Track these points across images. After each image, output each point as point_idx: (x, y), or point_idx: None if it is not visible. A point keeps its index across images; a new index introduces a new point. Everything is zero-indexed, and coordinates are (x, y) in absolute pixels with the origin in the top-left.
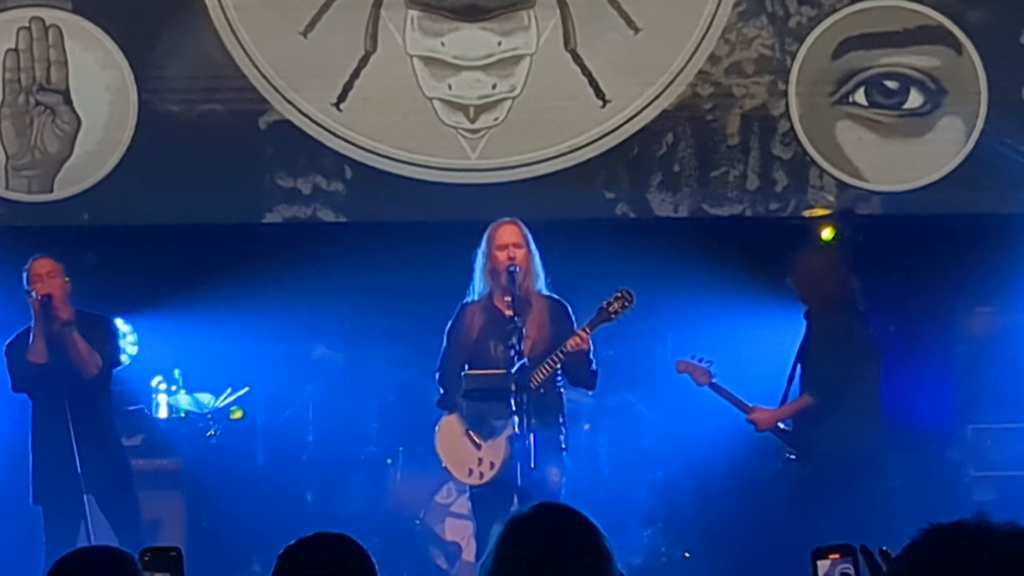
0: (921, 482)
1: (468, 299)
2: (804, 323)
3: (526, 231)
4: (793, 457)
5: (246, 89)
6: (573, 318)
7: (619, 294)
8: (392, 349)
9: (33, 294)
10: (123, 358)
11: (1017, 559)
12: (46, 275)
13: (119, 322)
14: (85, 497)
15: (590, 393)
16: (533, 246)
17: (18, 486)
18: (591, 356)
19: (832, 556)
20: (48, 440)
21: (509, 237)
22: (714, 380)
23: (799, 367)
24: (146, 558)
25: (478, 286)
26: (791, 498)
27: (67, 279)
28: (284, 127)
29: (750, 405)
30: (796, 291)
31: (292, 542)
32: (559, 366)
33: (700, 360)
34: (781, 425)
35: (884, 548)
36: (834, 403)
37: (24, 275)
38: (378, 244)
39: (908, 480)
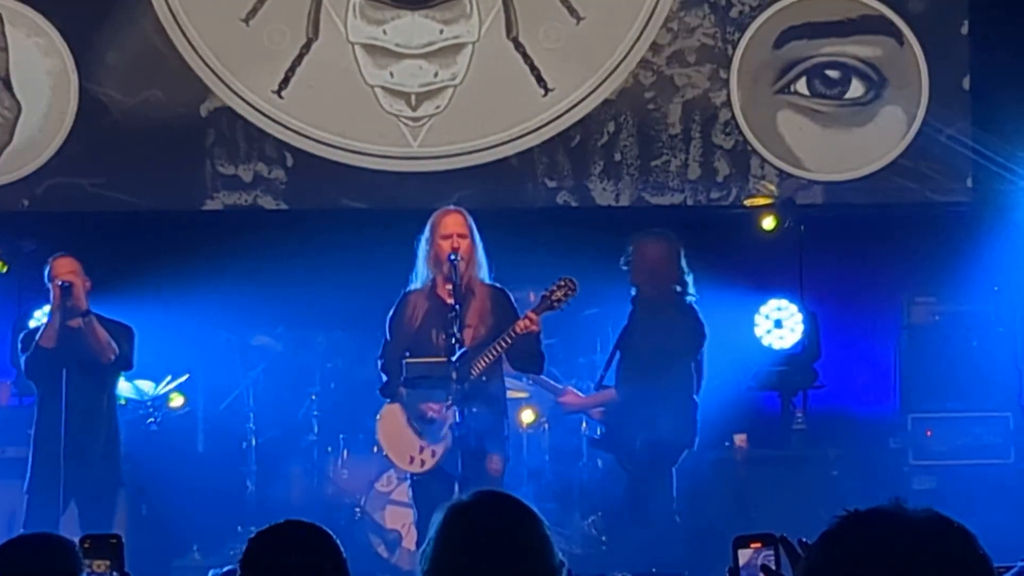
0: (861, 470)
1: (411, 287)
2: (633, 308)
3: (470, 220)
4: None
5: (187, 76)
6: (516, 307)
7: (562, 282)
8: (333, 337)
9: (56, 280)
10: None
11: (935, 545)
12: (70, 272)
13: None
14: (62, 488)
15: (531, 380)
16: (477, 235)
17: None
18: (540, 338)
19: (754, 545)
20: (44, 430)
21: (453, 227)
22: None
23: (618, 354)
24: (86, 545)
25: (421, 274)
26: (730, 486)
27: (87, 280)
28: (225, 114)
29: (561, 387)
30: (630, 273)
31: (262, 529)
32: (503, 353)
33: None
34: (598, 431)
35: (803, 539)
36: (647, 396)
37: (46, 269)
38: (319, 232)
39: (848, 468)
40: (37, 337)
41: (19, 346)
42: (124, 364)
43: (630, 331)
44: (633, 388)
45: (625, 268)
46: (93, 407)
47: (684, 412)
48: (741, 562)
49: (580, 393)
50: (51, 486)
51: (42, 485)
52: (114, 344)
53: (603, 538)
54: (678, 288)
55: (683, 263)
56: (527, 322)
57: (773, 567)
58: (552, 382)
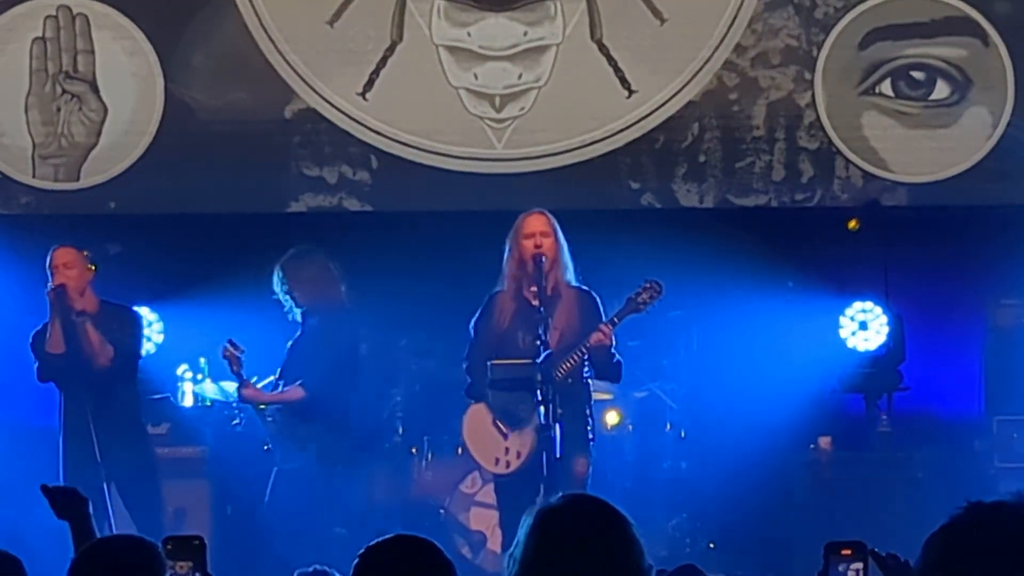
0: (946, 473)
1: (498, 289)
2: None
3: (554, 222)
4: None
5: (272, 78)
6: (602, 309)
7: (648, 285)
8: (418, 338)
9: (49, 285)
10: (146, 349)
11: None
12: (63, 266)
13: (145, 311)
14: (105, 486)
15: (614, 385)
16: (561, 237)
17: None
18: (613, 351)
19: (844, 552)
20: (72, 430)
21: (536, 226)
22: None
23: (288, 359)
24: (169, 547)
25: (507, 276)
26: (815, 489)
27: (91, 267)
28: (310, 116)
29: (246, 379)
30: (294, 297)
31: (372, 543)
32: (584, 359)
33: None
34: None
35: (892, 552)
36: (312, 404)
37: (47, 260)
38: (403, 233)
39: (933, 471)
40: (46, 345)
41: (31, 351)
42: (131, 356)
43: (300, 341)
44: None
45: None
46: (117, 402)
47: (339, 426)
48: (831, 568)
49: (257, 389)
50: (90, 488)
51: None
52: (108, 346)
53: (687, 540)
54: (333, 303)
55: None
56: (599, 335)
57: None
58: (244, 375)
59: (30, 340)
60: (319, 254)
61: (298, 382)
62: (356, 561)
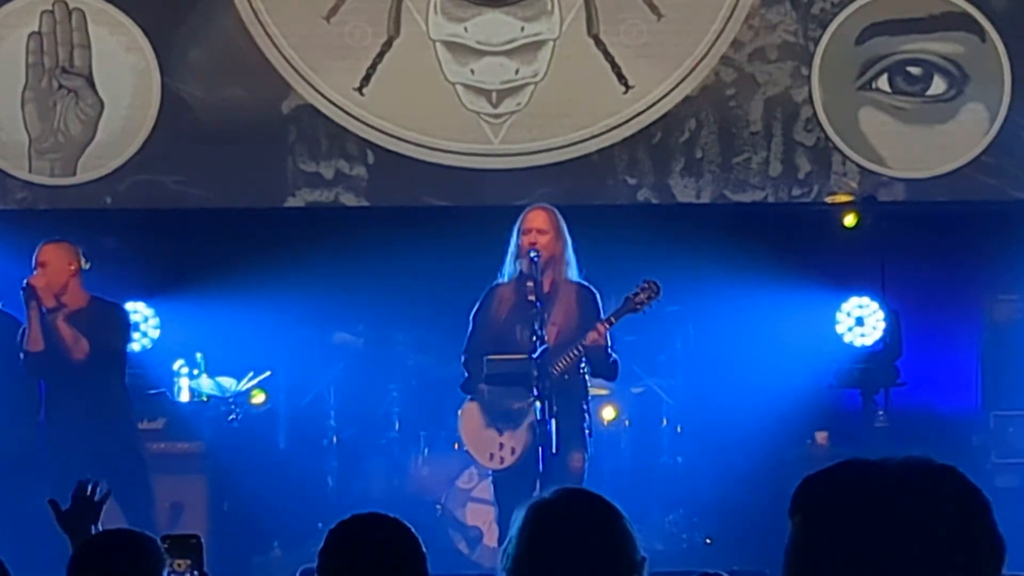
0: None
1: (499, 281)
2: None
3: (556, 218)
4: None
5: (269, 73)
6: (601, 306)
7: (645, 285)
8: (414, 333)
9: (23, 283)
10: (142, 345)
11: (917, 484)
12: (40, 264)
13: (141, 306)
14: (90, 482)
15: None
16: (565, 233)
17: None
18: (609, 350)
19: None
20: (57, 425)
21: (534, 222)
22: None
23: None
24: (166, 544)
25: (508, 269)
26: None
27: (79, 262)
28: (307, 111)
29: None
30: None
31: (342, 519)
32: (581, 356)
33: None
34: None
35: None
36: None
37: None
38: (400, 228)
39: None
40: (25, 344)
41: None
42: (111, 351)
43: None
44: None
45: None
46: (98, 396)
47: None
48: None
49: None
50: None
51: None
52: (83, 340)
53: (683, 535)
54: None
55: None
56: (594, 335)
57: None
58: None
59: (17, 336)
60: None
61: None
62: (325, 537)
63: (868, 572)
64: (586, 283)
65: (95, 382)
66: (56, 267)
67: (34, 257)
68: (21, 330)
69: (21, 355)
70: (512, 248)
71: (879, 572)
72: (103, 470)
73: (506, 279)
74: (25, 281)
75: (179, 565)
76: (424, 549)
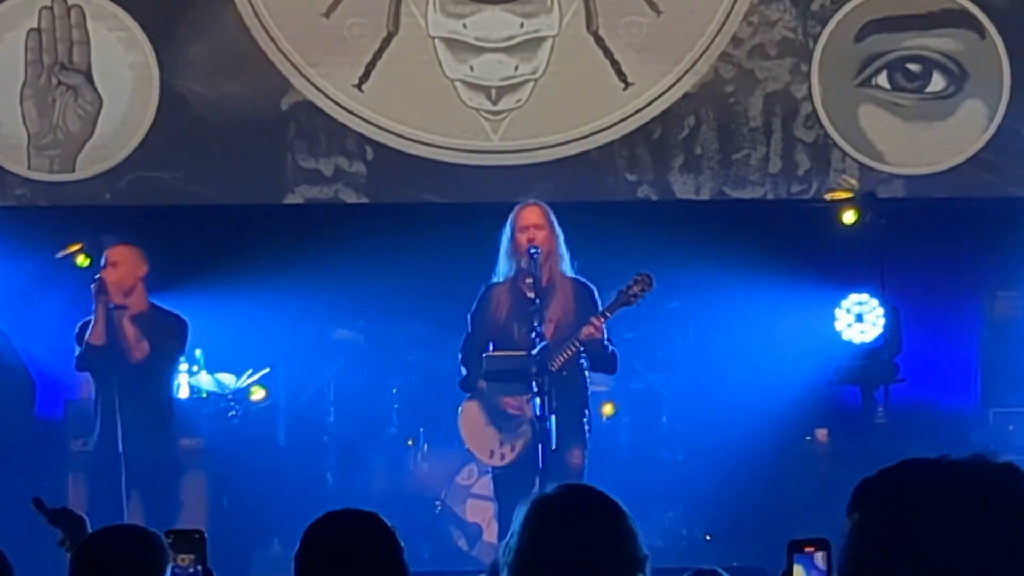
0: None
1: (493, 280)
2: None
3: (549, 213)
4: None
5: (268, 70)
6: (598, 300)
7: (638, 278)
8: (413, 330)
9: (94, 277)
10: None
11: (984, 484)
12: (111, 264)
13: None
14: (123, 479)
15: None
16: (557, 228)
17: None
18: (605, 343)
19: (808, 549)
20: (104, 424)
21: (530, 218)
22: None
23: None
24: (170, 539)
25: (503, 268)
26: (811, 481)
27: (146, 267)
28: (306, 108)
29: None
30: None
31: (319, 516)
32: (580, 351)
33: None
34: None
35: None
36: None
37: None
38: (399, 225)
39: None
40: (88, 336)
41: (75, 339)
42: (168, 358)
43: None
44: None
45: None
46: (147, 400)
47: None
48: (795, 564)
49: None
50: (113, 477)
51: (104, 477)
52: (144, 343)
53: (683, 531)
54: None
55: None
56: (590, 329)
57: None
58: None
59: (76, 328)
60: None
61: None
62: (302, 535)
63: (934, 571)
64: (581, 278)
65: (149, 386)
66: (127, 268)
67: (104, 256)
68: (81, 323)
69: (80, 347)
70: (506, 246)
71: (945, 570)
72: (135, 469)
73: (501, 278)
74: (97, 275)
75: (183, 560)
76: (401, 542)
